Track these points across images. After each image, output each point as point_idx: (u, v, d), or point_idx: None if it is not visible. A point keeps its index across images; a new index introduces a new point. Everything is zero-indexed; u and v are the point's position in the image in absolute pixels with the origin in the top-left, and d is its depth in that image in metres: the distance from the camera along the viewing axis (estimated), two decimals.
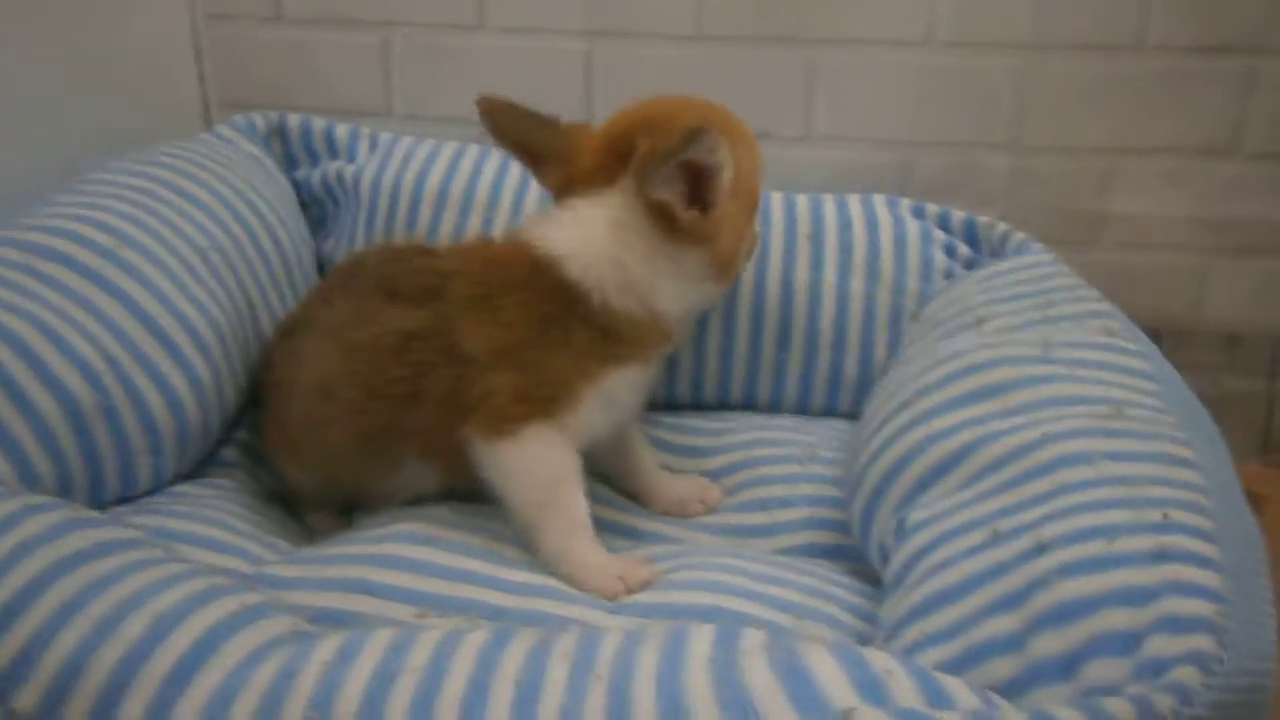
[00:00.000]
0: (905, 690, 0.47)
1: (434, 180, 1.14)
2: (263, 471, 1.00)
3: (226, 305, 0.97)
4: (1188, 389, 0.80)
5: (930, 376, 0.84)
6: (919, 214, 1.12)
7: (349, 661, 0.56)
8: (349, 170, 1.18)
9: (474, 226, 1.12)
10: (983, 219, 1.09)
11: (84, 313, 0.84)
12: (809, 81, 1.18)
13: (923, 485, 0.77)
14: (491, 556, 0.79)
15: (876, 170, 1.20)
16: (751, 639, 0.54)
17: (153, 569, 0.61)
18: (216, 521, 0.84)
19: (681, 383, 1.09)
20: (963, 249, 1.10)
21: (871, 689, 0.47)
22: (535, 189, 1.14)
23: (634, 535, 0.91)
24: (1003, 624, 0.60)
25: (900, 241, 1.08)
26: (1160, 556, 0.57)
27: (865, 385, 1.07)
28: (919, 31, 1.14)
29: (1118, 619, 0.55)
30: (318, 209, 1.22)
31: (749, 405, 1.11)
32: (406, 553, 0.79)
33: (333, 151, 1.21)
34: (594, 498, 0.92)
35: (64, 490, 0.80)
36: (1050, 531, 0.62)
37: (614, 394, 0.82)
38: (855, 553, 0.85)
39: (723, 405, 1.11)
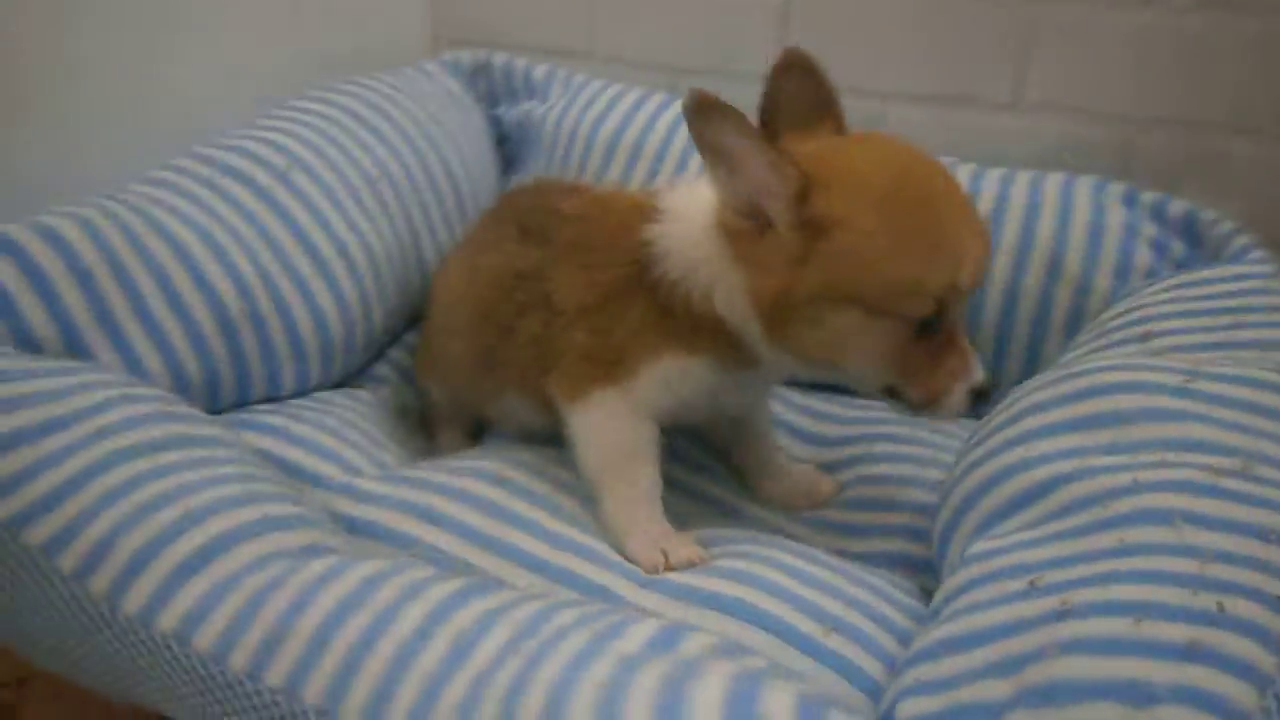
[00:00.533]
0: None
1: (609, 126, 1.14)
2: (408, 390, 1.07)
3: (385, 231, 1.03)
4: None
5: (1050, 391, 0.73)
6: (1129, 202, 0.96)
7: (322, 587, 0.59)
8: (539, 110, 1.21)
9: (640, 175, 1.11)
10: (1207, 213, 0.92)
11: (249, 227, 0.93)
12: (1024, 40, 1.04)
13: (1002, 514, 0.67)
14: (550, 506, 0.80)
15: (1092, 148, 1.04)
16: (716, 669, 0.51)
17: (207, 468, 0.68)
18: (334, 431, 0.91)
19: None
20: (1177, 247, 0.94)
21: None
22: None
23: (736, 516, 0.88)
24: (993, 689, 0.52)
25: (1095, 233, 0.94)
26: (1190, 654, 0.47)
27: None
28: None
29: (1108, 715, 0.46)
30: (513, 146, 1.26)
31: None
32: (475, 489, 0.81)
33: (530, 91, 1.25)
34: (708, 473, 0.91)
35: (212, 387, 0.90)
36: (1079, 596, 0.53)
37: (671, 378, 0.78)
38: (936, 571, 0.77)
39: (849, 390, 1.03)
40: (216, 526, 0.63)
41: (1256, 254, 0.86)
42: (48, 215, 0.83)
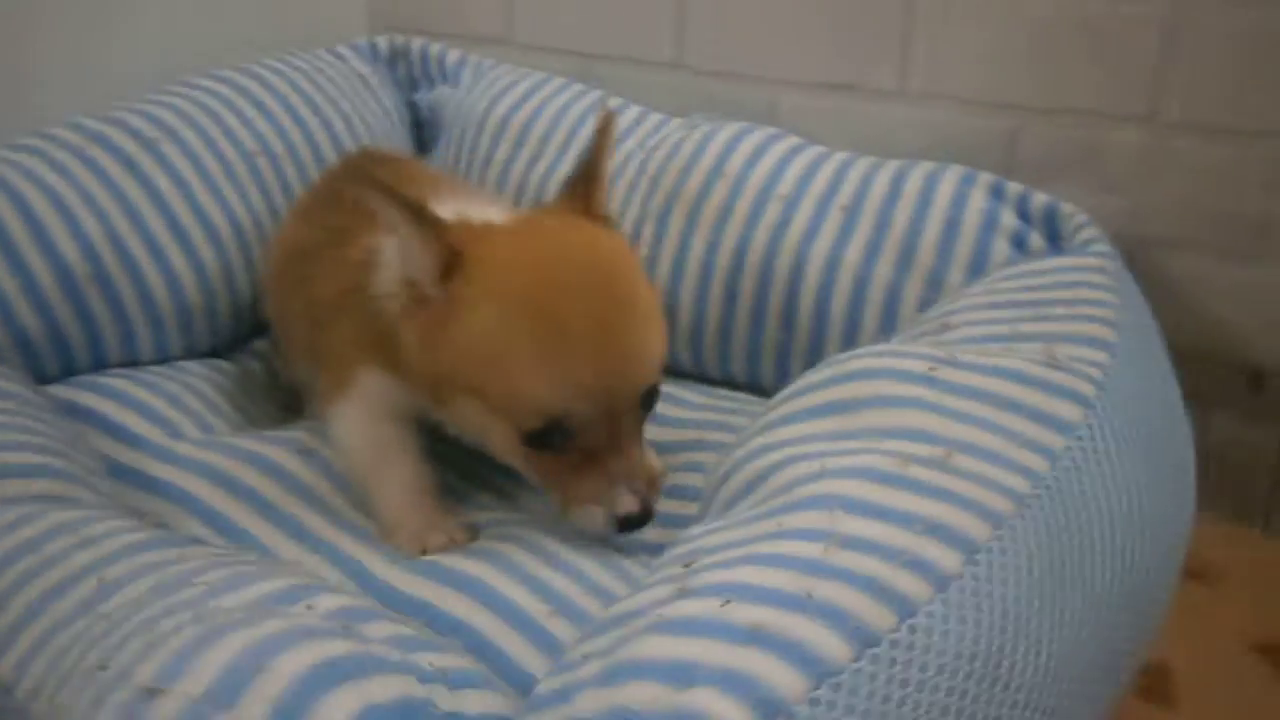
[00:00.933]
0: None
1: (499, 110, 1.13)
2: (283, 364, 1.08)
3: (258, 206, 1.05)
4: (1115, 454, 0.58)
5: (806, 379, 0.69)
6: (996, 193, 0.91)
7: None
8: (450, 95, 1.22)
9: (522, 159, 1.10)
10: (1067, 206, 0.87)
11: (105, 191, 0.95)
12: (907, 24, 1.00)
13: (732, 502, 0.64)
14: (341, 481, 0.79)
15: (977, 138, 0.99)
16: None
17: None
18: (173, 397, 0.92)
19: (679, 347, 1.00)
20: (1036, 240, 0.88)
21: None
22: (587, 132, 1.09)
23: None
24: (588, 670, 0.49)
25: (951, 226, 0.89)
26: (751, 638, 0.43)
27: None
28: None
29: (647, 693, 0.43)
30: (428, 131, 1.27)
31: (754, 387, 0.99)
32: (276, 457, 0.81)
33: (443, 75, 1.25)
34: None
35: (60, 346, 0.92)
36: (707, 579, 0.49)
37: (376, 392, 0.76)
38: None
39: (727, 382, 1.00)
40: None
41: (1098, 247, 0.80)
42: None
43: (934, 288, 0.89)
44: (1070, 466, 0.57)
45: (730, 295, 0.96)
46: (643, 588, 0.54)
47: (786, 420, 0.65)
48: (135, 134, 1.00)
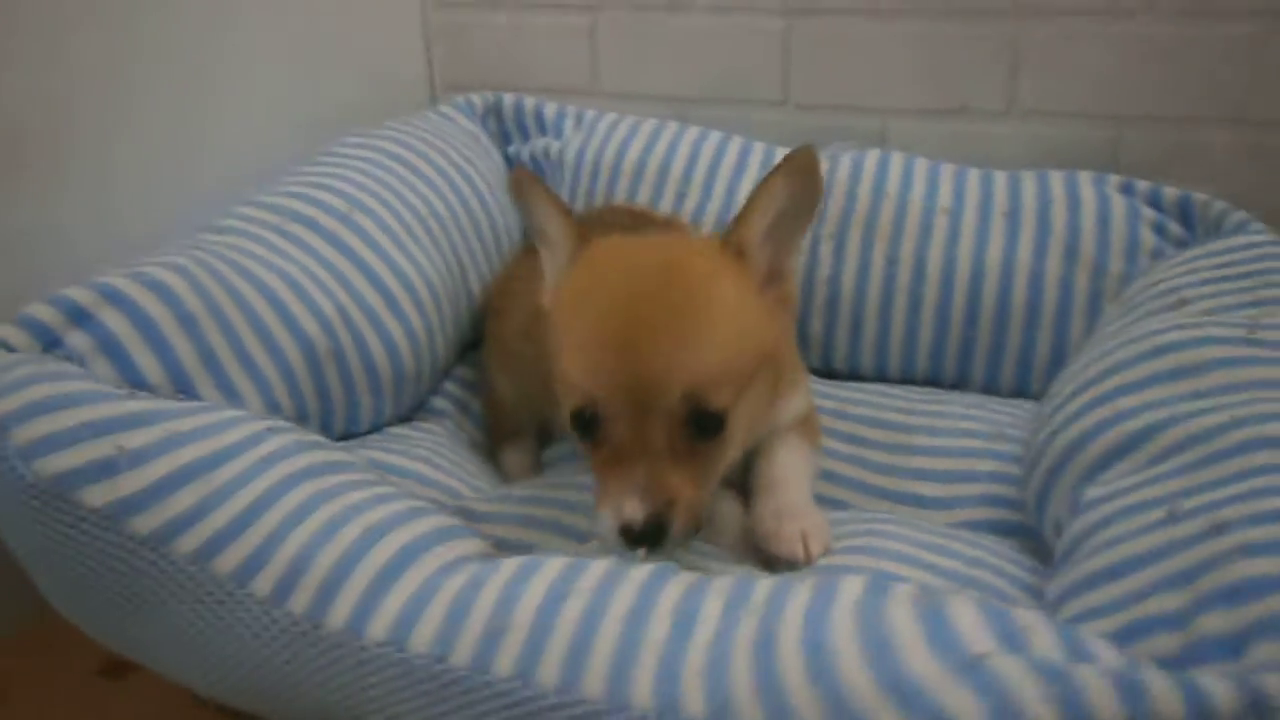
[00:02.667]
0: (1044, 642, 0.48)
1: (633, 154, 1.20)
2: (468, 421, 1.09)
3: (440, 266, 1.06)
4: None
5: (1121, 355, 0.81)
6: (1128, 191, 1.07)
7: (527, 580, 0.62)
8: (555, 146, 1.26)
9: (668, 199, 1.17)
10: (1199, 195, 1.04)
11: (322, 269, 0.95)
12: (1013, 52, 1.15)
13: (1103, 464, 0.75)
14: None
15: (1083, 147, 1.15)
16: (902, 590, 0.56)
17: (366, 489, 0.70)
18: (425, 459, 0.94)
19: (865, 354, 1.10)
20: (1174, 228, 1.04)
21: (1010, 638, 0.48)
22: (729, 164, 1.18)
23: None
24: (1169, 601, 0.58)
25: (1104, 221, 1.04)
26: None
27: (1058, 369, 1.04)
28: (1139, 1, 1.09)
29: None
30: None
31: (933, 382, 1.10)
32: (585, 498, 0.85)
33: (541, 128, 1.29)
34: None
35: (300, 423, 0.90)
36: (1230, 513, 0.60)
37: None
38: (1032, 532, 0.84)
39: (907, 380, 1.11)
40: (398, 539, 0.65)
41: (1256, 225, 0.97)
42: (144, 265, 0.83)
43: (1099, 276, 1.03)
44: None
45: (914, 304, 1.07)
46: (1122, 540, 0.64)
47: (1130, 390, 0.77)
48: (326, 208, 1.00)
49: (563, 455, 1.04)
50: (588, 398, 0.68)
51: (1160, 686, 0.43)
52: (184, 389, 0.81)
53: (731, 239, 0.74)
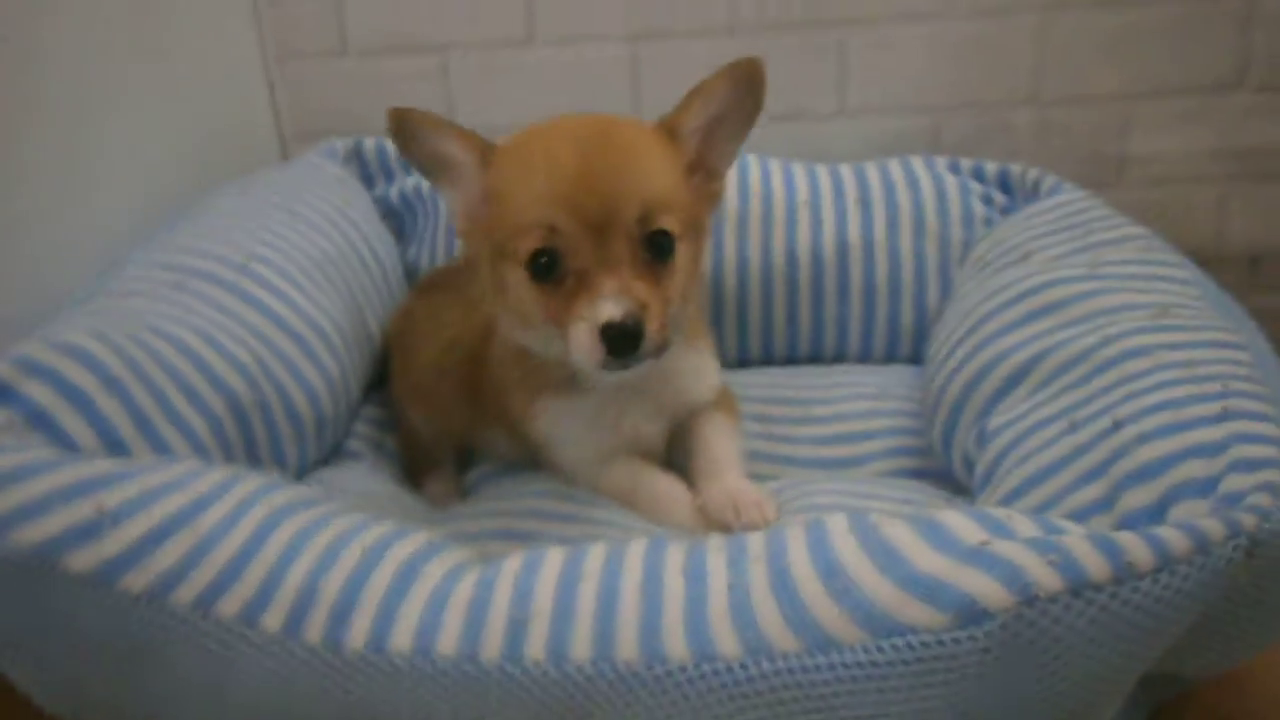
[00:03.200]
0: (1025, 525, 0.56)
1: None
2: (383, 459, 1.10)
3: (341, 309, 1.07)
4: (1223, 292, 0.88)
5: (990, 304, 0.93)
6: (955, 169, 1.21)
7: (535, 571, 0.65)
8: (426, 184, 1.29)
9: None
10: (1015, 167, 1.19)
11: (232, 321, 0.94)
12: (840, 60, 1.27)
13: (998, 396, 0.86)
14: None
15: (908, 136, 1.29)
16: (879, 515, 0.63)
17: (349, 515, 0.71)
18: (364, 493, 0.94)
19: (753, 340, 1.19)
20: (999, 197, 1.19)
21: (997, 528, 0.56)
22: None
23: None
24: (1090, 492, 0.69)
25: (941, 196, 1.18)
26: (1224, 417, 0.66)
27: (921, 331, 1.16)
28: (939, 3, 1.24)
29: (1195, 469, 0.64)
30: (398, 221, 1.32)
31: (815, 358, 1.20)
32: (540, 504, 0.88)
33: (407, 168, 1.31)
34: None
35: None
36: (1122, 412, 0.71)
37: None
38: (938, 474, 0.95)
39: (790, 360, 1.20)
40: (399, 555, 0.67)
41: (1067, 186, 1.12)
42: (58, 333, 0.81)
43: (945, 245, 1.16)
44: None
45: (792, 288, 1.16)
46: (1035, 453, 0.75)
47: (1005, 330, 0.88)
48: (222, 260, 0.98)
49: (482, 477, 1.06)
50: (547, 233, 0.74)
51: (1128, 539, 0.52)
52: (119, 453, 0.79)
53: (666, 121, 0.81)
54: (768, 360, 1.20)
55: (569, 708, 0.61)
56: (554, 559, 0.67)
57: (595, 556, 0.67)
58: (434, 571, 0.66)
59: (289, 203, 1.11)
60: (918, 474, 0.97)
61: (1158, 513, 0.63)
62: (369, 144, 1.32)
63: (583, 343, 0.73)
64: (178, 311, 0.91)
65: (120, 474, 0.66)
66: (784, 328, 1.18)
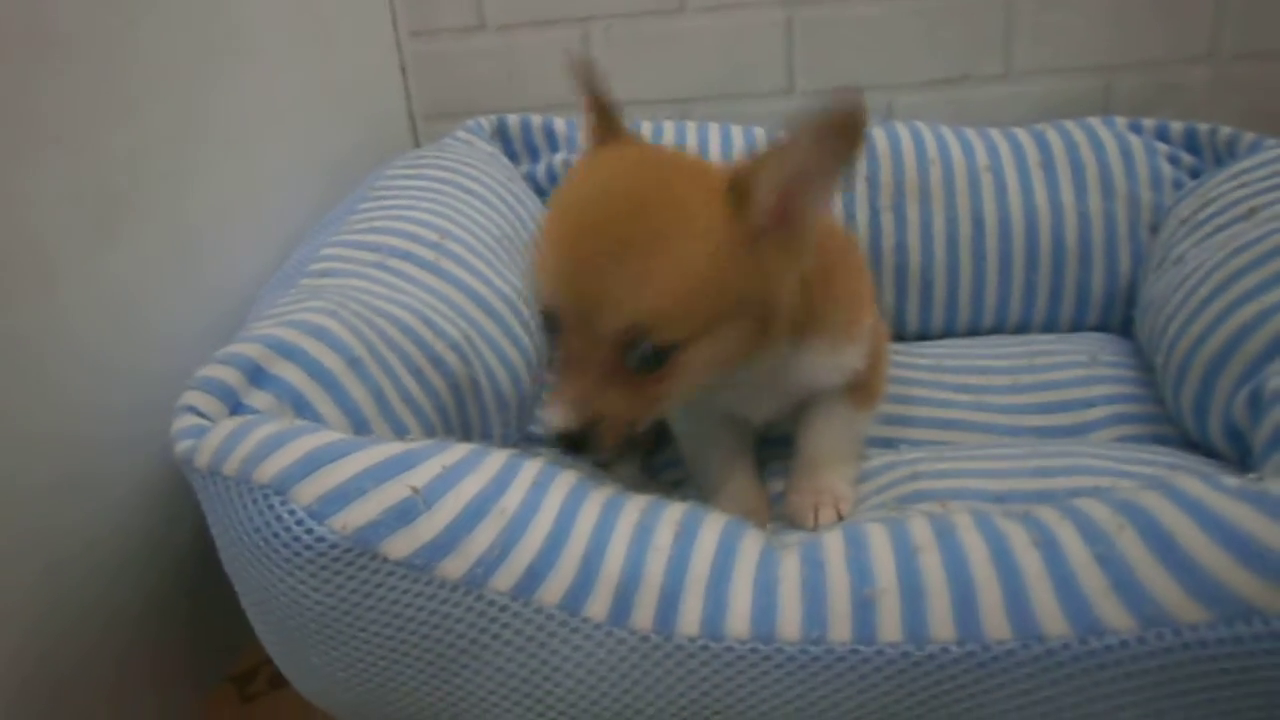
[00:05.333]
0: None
1: None
2: None
3: (524, 288, 1.02)
4: None
5: (1236, 261, 0.88)
6: (1137, 130, 1.17)
7: (864, 547, 0.61)
8: (574, 159, 1.24)
9: None
10: (1203, 126, 1.14)
11: (437, 300, 0.90)
12: (1008, 17, 1.23)
13: (1267, 357, 0.81)
14: None
15: (1077, 99, 1.25)
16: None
17: (633, 493, 0.67)
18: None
19: (936, 314, 1.14)
20: (1186, 158, 1.15)
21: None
22: (738, 154, 1.19)
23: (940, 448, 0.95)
24: None
25: (1127, 155, 1.13)
26: None
27: (1112, 298, 1.12)
28: None
29: None
30: (546, 199, 1.28)
31: (998, 329, 1.16)
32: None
33: (553, 144, 1.27)
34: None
35: None
36: None
37: None
38: (1178, 441, 0.90)
39: (973, 332, 1.16)
40: (710, 535, 0.63)
41: (1271, 141, 1.08)
42: (297, 314, 0.77)
43: (1135, 207, 1.12)
44: None
45: (979, 256, 1.12)
46: None
47: (1262, 288, 0.84)
48: (417, 239, 0.94)
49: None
50: (543, 296, 0.70)
51: None
52: (363, 434, 0.75)
53: (740, 177, 0.68)
54: (950, 332, 1.16)
55: (931, 693, 0.57)
56: (878, 534, 0.63)
57: (920, 528, 0.63)
58: (750, 550, 0.62)
59: (461, 179, 1.07)
60: (1155, 440, 0.92)
61: None
62: (513, 120, 1.27)
63: (543, 425, 0.71)
64: (388, 290, 0.87)
65: (415, 453, 0.62)
66: (970, 298, 1.14)
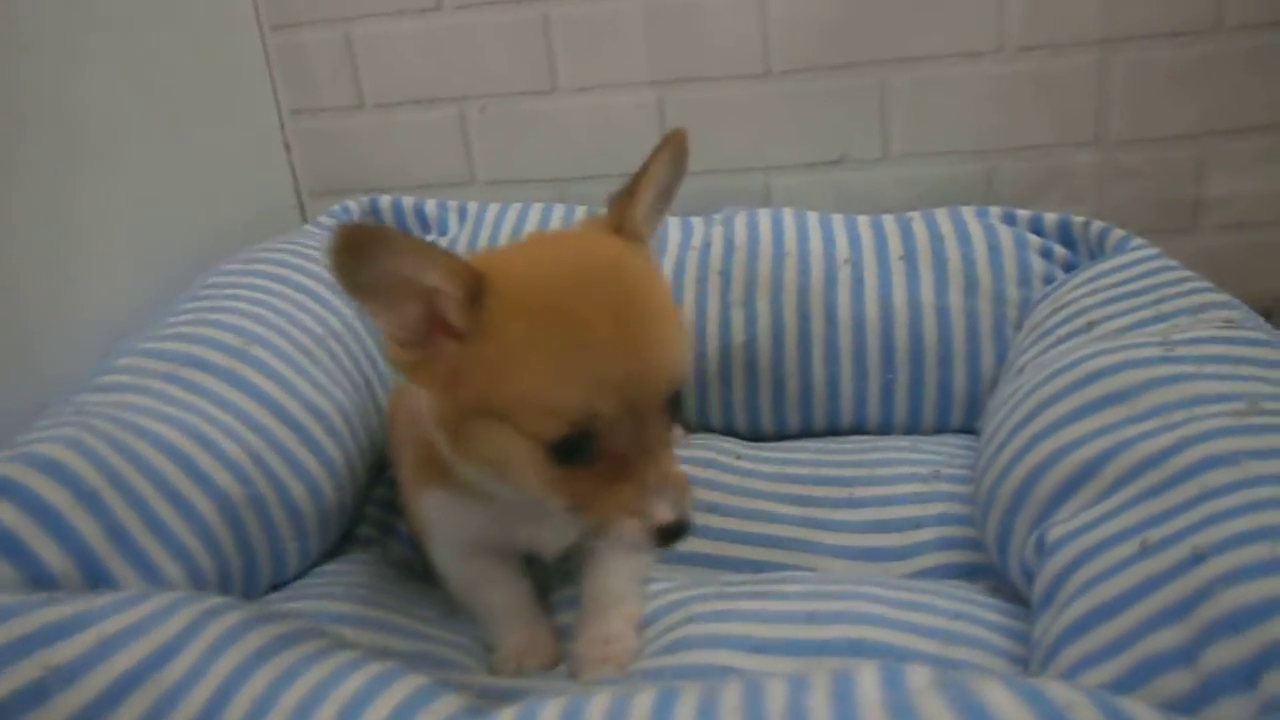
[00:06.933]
0: (1088, 717, 0.47)
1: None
2: (395, 543, 1.03)
3: (346, 386, 1.01)
4: None
5: (1050, 387, 0.83)
6: (1010, 220, 1.11)
7: None
8: (443, 242, 1.23)
9: None
10: (1077, 218, 1.09)
11: (225, 413, 0.88)
12: (883, 102, 1.19)
13: (1058, 499, 0.76)
14: None
15: (960, 182, 1.20)
16: (919, 677, 0.55)
17: (327, 658, 0.64)
18: (365, 599, 0.88)
19: (791, 412, 1.10)
20: (1060, 251, 1.09)
21: (1054, 717, 0.47)
22: None
23: (759, 567, 0.91)
24: (1168, 637, 0.59)
25: (995, 250, 1.08)
26: None
27: (975, 400, 1.07)
28: (991, 40, 1.14)
29: None
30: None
31: (859, 429, 1.11)
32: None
33: (424, 227, 1.26)
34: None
35: (224, 583, 0.84)
36: (1205, 539, 0.61)
37: (443, 519, 0.85)
38: (993, 571, 0.85)
39: (832, 432, 1.11)
40: (380, 710, 0.60)
41: (1136, 241, 1.02)
42: (29, 444, 0.76)
43: (1000, 304, 1.07)
44: None
45: (833, 355, 1.08)
46: (1101, 578, 0.65)
47: (1068, 420, 0.79)
48: (219, 346, 0.93)
49: None
50: (584, 416, 0.64)
51: None
52: (94, 573, 0.74)
53: (626, 223, 0.75)
54: (807, 432, 1.12)
55: None
56: (551, 712, 0.59)
57: (596, 711, 0.59)
58: None
59: (292, 275, 1.06)
60: (971, 571, 0.87)
61: (1248, 678, 0.53)
62: (385, 202, 1.26)
63: (631, 536, 0.67)
64: (165, 406, 0.86)
65: (71, 622, 0.60)
66: (824, 397, 1.09)
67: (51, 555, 0.72)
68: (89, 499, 0.75)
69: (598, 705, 0.60)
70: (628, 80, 1.23)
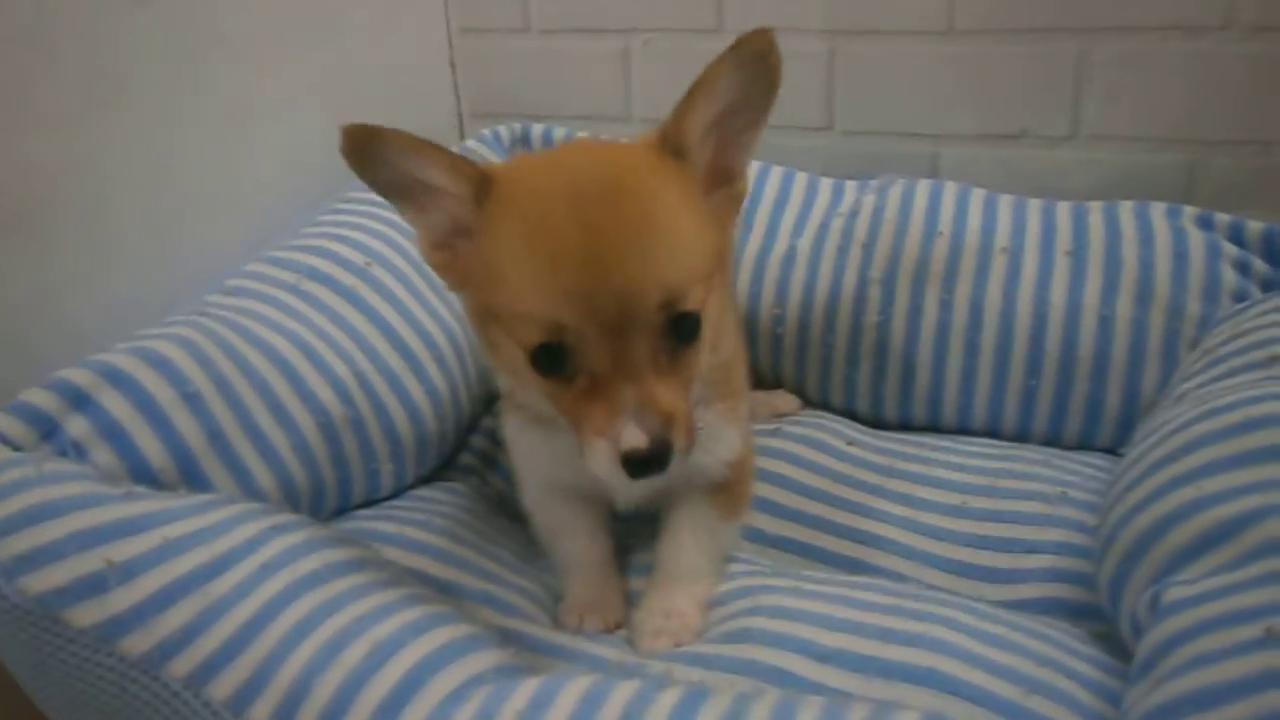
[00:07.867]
0: None
1: None
2: (495, 476, 1.04)
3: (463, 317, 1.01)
4: None
5: (1204, 426, 0.73)
6: (1206, 225, 0.98)
7: (542, 710, 0.57)
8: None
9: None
10: None
11: (338, 330, 0.90)
12: (1078, 75, 1.06)
13: (1187, 556, 0.67)
14: None
15: (1155, 175, 1.06)
16: None
17: (375, 593, 0.65)
18: (446, 532, 0.88)
19: (918, 404, 1.03)
20: (1260, 266, 0.95)
21: None
22: (770, 196, 1.11)
23: (852, 565, 0.86)
24: None
25: (1180, 257, 0.96)
26: None
27: (1129, 420, 0.96)
28: (1217, 15, 0.99)
29: None
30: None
31: (992, 434, 1.02)
32: None
33: None
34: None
35: (316, 496, 0.87)
36: None
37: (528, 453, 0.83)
38: (1103, 615, 0.77)
39: (962, 432, 1.03)
40: (407, 660, 0.60)
41: None
42: (147, 339, 0.79)
43: (1175, 319, 0.95)
44: None
45: (971, 350, 0.99)
46: (1210, 659, 0.57)
47: (1218, 469, 0.69)
48: (343, 263, 0.95)
49: None
50: (552, 328, 0.62)
51: None
52: (190, 471, 0.77)
53: (668, 137, 0.67)
54: (933, 427, 1.04)
55: None
56: (569, 696, 0.58)
57: (615, 703, 0.57)
58: (440, 686, 0.59)
59: None
60: (1077, 611, 0.79)
61: None
62: (536, 130, 1.24)
63: (602, 461, 0.63)
64: (282, 317, 0.88)
65: (141, 520, 0.63)
66: (957, 393, 1.01)
67: (152, 449, 0.75)
68: (192, 399, 0.78)
69: (618, 697, 0.58)
70: (798, 25, 1.15)
